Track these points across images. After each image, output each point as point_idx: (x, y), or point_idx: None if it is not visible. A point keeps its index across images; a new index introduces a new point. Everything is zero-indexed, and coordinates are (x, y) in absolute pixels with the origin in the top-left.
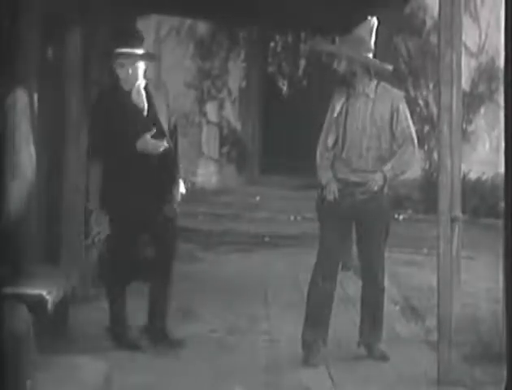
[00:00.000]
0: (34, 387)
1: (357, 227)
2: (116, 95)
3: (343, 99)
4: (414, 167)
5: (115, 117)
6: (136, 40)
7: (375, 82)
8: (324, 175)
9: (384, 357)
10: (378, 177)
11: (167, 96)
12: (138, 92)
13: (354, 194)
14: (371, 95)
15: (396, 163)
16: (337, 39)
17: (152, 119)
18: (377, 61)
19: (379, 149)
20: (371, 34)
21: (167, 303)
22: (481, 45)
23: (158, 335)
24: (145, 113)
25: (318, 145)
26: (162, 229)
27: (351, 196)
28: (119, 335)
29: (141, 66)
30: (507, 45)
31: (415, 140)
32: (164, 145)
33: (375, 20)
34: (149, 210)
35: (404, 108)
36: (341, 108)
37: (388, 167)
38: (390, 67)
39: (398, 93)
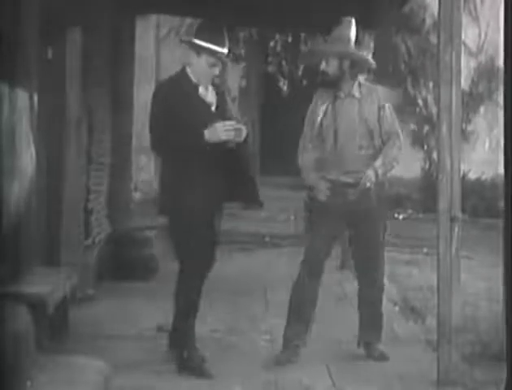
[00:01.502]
0: (34, 387)
1: (349, 227)
2: (182, 85)
3: (328, 101)
4: (399, 162)
5: (179, 108)
6: (222, 38)
7: (357, 82)
8: (310, 176)
9: (383, 357)
10: (370, 173)
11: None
12: (206, 86)
13: (346, 194)
14: (357, 95)
15: (385, 159)
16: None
17: (222, 115)
18: (368, 56)
19: (372, 147)
20: (352, 33)
21: (195, 316)
22: (481, 45)
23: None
24: (213, 108)
25: (299, 148)
26: (215, 238)
27: (343, 196)
28: (184, 360)
29: (213, 64)
30: (506, 45)
31: (401, 135)
32: (243, 130)
33: (352, 19)
34: (215, 215)
35: (389, 104)
36: (326, 110)
37: (379, 163)
38: (374, 63)
39: (383, 91)
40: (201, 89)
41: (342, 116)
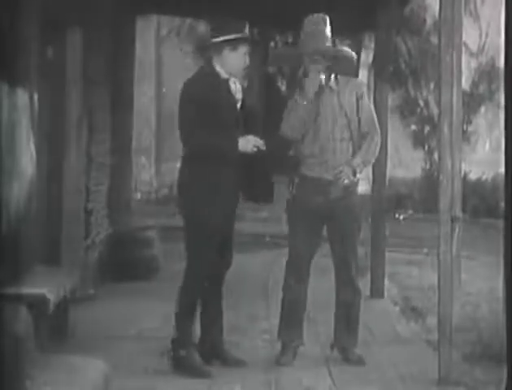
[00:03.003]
0: (34, 387)
1: (329, 227)
2: (212, 82)
3: (308, 95)
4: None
5: (211, 106)
6: (240, 24)
7: (333, 75)
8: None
9: (360, 361)
10: (347, 170)
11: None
12: (235, 81)
13: (329, 193)
14: (334, 87)
15: (364, 156)
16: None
17: (247, 114)
18: (351, 51)
19: (350, 139)
20: (328, 29)
21: (222, 316)
22: (481, 45)
23: (213, 351)
24: (239, 105)
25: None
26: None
27: (325, 195)
28: (182, 360)
29: (245, 51)
30: (507, 45)
31: (379, 130)
32: (260, 144)
33: (326, 16)
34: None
35: (366, 96)
36: (307, 104)
37: (357, 161)
38: (355, 56)
39: (360, 81)
40: (232, 85)
41: (323, 108)
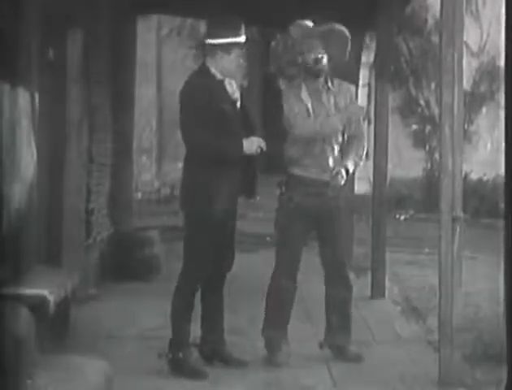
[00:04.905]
0: (34, 386)
1: (322, 227)
2: (208, 83)
3: (309, 93)
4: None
5: (208, 106)
6: (236, 28)
7: (329, 78)
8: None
9: (358, 358)
10: (343, 171)
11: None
12: (230, 82)
13: (325, 193)
14: (332, 89)
15: (355, 158)
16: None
17: (245, 114)
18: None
19: (340, 142)
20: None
21: (223, 317)
22: (482, 45)
23: (214, 352)
24: (238, 105)
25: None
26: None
27: (320, 195)
28: (180, 362)
29: (238, 54)
30: (508, 45)
31: (365, 133)
32: (263, 145)
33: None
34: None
35: (355, 100)
36: (308, 102)
37: (350, 162)
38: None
39: (350, 85)
40: (227, 86)
41: (325, 109)
